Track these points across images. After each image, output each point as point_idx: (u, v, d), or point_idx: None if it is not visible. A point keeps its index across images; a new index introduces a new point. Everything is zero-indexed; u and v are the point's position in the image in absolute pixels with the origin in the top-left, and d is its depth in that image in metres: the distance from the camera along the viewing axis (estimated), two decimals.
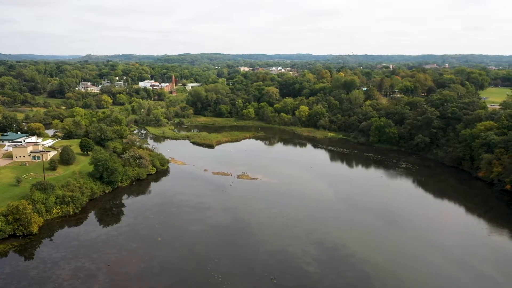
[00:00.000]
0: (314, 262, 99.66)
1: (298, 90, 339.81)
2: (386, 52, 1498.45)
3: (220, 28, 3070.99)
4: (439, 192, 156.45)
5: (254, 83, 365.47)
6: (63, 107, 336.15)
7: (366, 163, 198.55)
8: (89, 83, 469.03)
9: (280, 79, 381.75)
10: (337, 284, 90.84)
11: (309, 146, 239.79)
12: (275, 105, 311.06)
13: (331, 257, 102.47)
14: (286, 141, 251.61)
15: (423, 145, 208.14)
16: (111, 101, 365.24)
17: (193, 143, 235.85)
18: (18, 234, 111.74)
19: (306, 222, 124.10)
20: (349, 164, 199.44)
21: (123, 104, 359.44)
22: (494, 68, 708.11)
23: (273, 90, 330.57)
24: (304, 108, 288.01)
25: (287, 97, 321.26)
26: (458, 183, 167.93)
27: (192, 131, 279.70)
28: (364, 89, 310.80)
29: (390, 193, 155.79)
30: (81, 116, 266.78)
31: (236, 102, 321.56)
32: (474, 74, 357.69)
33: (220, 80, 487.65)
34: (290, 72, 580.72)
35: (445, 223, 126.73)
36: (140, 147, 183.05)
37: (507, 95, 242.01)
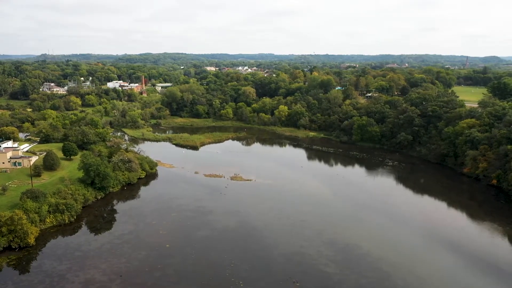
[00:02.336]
0: (331, 263, 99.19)
1: (274, 90, 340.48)
2: (346, 52, 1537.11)
3: (181, 28, 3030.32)
4: (430, 189, 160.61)
5: (229, 83, 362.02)
6: (29, 109, 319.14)
7: (353, 161, 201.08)
8: (53, 84, 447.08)
9: (253, 78, 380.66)
10: (360, 284, 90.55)
11: (292, 145, 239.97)
12: (253, 105, 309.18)
13: (347, 257, 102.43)
14: (269, 141, 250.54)
15: (405, 143, 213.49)
16: (80, 102, 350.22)
17: (176, 145, 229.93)
18: (13, 247, 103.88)
19: (312, 222, 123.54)
20: (337, 163, 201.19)
21: (92, 105, 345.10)
22: (450, 67, 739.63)
23: (250, 90, 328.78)
24: (283, 108, 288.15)
25: (264, 97, 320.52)
26: (446, 179, 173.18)
27: (167, 132, 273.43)
28: (340, 88, 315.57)
29: (385, 190, 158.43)
30: (53, 118, 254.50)
31: (214, 103, 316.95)
32: (442, 74, 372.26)
33: (191, 80, 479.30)
34: (260, 72, 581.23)
35: (445, 218, 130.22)
36: (127, 150, 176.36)
37: (483, 94, 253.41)
